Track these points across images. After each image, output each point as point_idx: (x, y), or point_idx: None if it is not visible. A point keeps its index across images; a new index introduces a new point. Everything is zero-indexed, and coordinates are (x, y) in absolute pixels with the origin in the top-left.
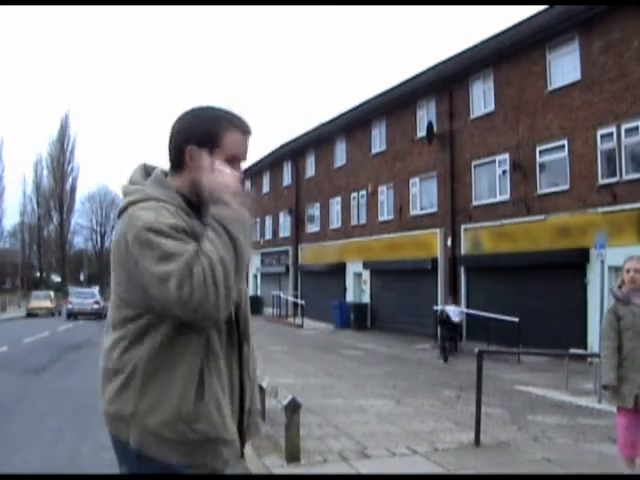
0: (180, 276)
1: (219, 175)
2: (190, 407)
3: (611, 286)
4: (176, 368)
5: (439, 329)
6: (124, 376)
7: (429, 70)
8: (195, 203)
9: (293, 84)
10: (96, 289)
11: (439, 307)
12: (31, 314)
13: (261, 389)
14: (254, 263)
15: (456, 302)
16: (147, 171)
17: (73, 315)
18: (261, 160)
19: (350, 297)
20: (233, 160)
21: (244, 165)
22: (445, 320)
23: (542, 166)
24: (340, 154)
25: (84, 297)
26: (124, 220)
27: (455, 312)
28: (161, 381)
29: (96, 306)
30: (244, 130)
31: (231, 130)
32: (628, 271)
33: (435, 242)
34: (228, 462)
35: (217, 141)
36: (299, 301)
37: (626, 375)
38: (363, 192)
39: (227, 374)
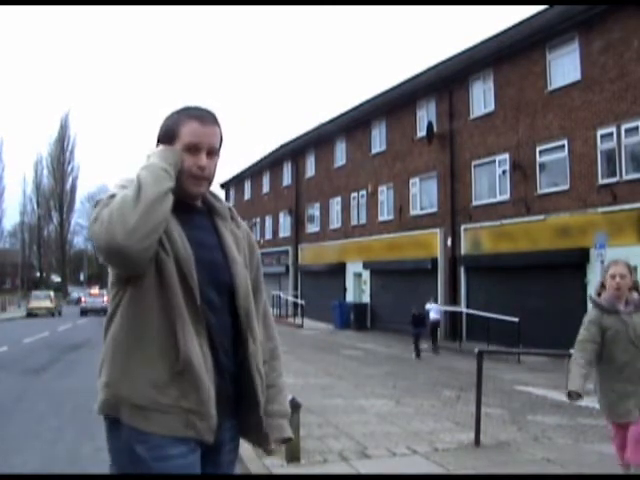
0: (96, 215)
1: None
2: (164, 375)
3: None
4: (145, 337)
5: (412, 327)
6: (105, 350)
7: (429, 70)
8: (182, 200)
9: (293, 84)
10: (96, 289)
11: (413, 308)
12: (31, 314)
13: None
14: None
15: (436, 301)
16: None
17: (85, 312)
18: (261, 160)
19: (350, 297)
20: (193, 148)
21: (217, 155)
22: (418, 319)
23: (542, 166)
24: (340, 154)
25: (95, 297)
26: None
27: (435, 310)
28: (130, 351)
29: (105, 303)
30: (200, 119)
31: (186, 121)
32: (613, 277)
33: (435, 242)
34: (201, 434)
35: (174, 134)
36: (299, 301)
37: (624, 389)
38: (363, 192)
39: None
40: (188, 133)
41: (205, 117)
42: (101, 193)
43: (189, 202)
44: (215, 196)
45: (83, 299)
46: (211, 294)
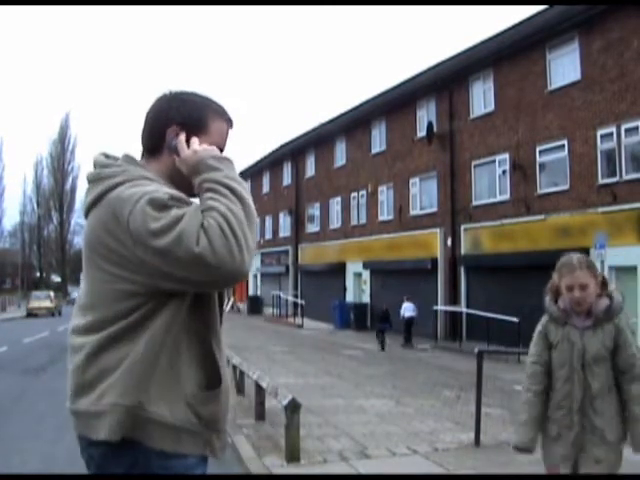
0: (192, 230)
1: (198, 147)
2: (198, 391)
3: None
4: (182, 353)
5: (377, 324)
6: (120, 372)
7: (429, 70)
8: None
9: (293, 84)
10: None
11: (384, 305)
12: (31, 314)
13: (260, 388)
14: (254, 263)
15: (409, 300)
16: (110, 158)
17: None
18: (261, 160)
19: (350, 297)
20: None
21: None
22: (384, 316)
23: (542, 166)
24: (340, 154)
25: None
26: (107, 205)
27: (409, 308)
28: (161, 369)
29: None
30: (229, 121)
31: (217, 118)
32: (570, 289)
33: (435, 242)
34: (215, 452)
35: (203, 127)
36: (299, 301)
37: (559, 429)
38: (363, 192)
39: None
40: (218, 133)
41: (231, 121)
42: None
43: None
44: None
45: None
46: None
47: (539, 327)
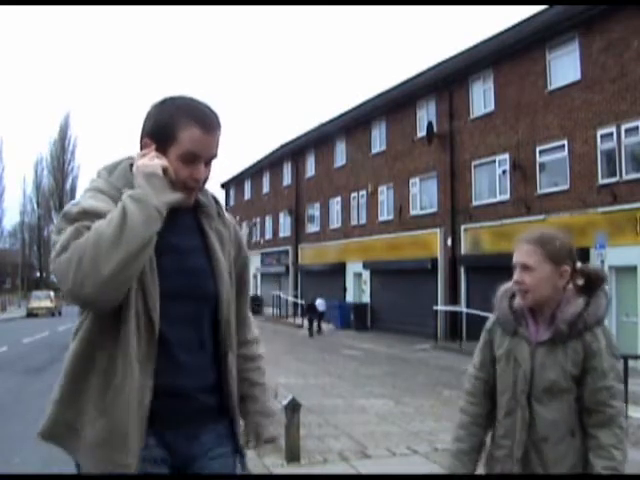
0: (56, 250)
1: (142, 160)
2: (92, 409)
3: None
4: (88, 373)
5: (306, 314)
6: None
7: (429, 70)
8: None
9: (294, 84)
10: None
11: (310, 299)
12: (31, 314)
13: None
14: (254, 263)
15: (321, 297)
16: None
17: None
18: (261, 160)
19: (350, 297)
20: (191, 158)
21: (213, 163)
22: (310, 308)
23: (542, 166)
24: (340, 154)
25: None
26: None
27: (321, 304)
28: (76, 386)
29: None
30: (204, 125)
31: (187, 124)
32: (513, 267)
33: (435, 242)
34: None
35: (171, 136)
36: (299, 301)
37: (504, 464)
38: (363, 192)
39: (139, 390)
40: (188, 140)
41: (210, 123)
42: None
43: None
44: (201, 190)
45: None
46: (184, 305)
47: (485, 329)
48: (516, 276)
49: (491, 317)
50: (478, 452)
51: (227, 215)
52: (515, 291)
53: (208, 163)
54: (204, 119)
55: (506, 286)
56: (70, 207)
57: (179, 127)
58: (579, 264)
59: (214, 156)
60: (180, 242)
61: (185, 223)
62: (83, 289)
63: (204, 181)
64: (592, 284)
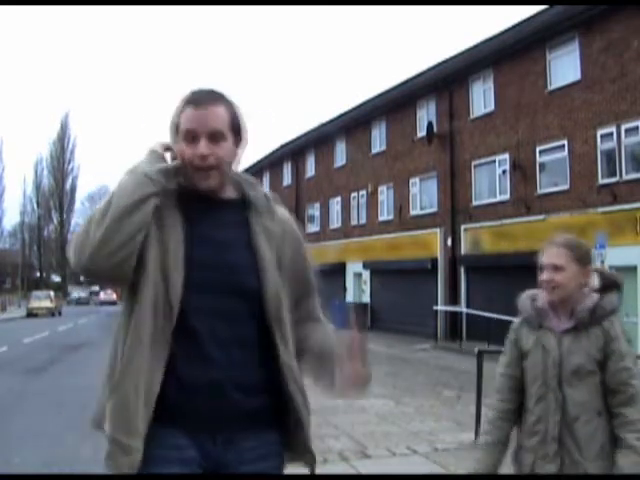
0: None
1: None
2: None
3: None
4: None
5: None
6: None
7: (429, 70)
8: (200, 194)
9: (293, 84)
10: (96, 288)
11: None
12: (31, 314)
13: None
14: None
15: None
16: None
17: (100, 303)
18: (261, 160)
19: (350, 297)
20: (191, 137)
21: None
22: None
23: (542, 166)
24: (340, 154)
25: (109, 294)
26: None
27: None
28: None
29: (115, 297)
30: (194, 102)
31: (184, 109)
32: (541, 269)
33: (435, 242)
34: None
35: (177, 124)
36: None
37: (535, 456)
38: (363, 192)
39: (147, 372)
40: (184, 120)
41: (200, 99)
42: (101, 193)
43: (209, 195)
44: (249, 182)
45: (102, 295)
46: (217, 299)
47: (512, 329)
48: (546, 275)
49: (515, 321)
50: (504, 444)
51: (281, 212)
52: (543, 289)
53: (216, 140)
54: (194, 97)
55: (528, 292)
56: None
57: (180, 113)
58: (597, 266)
59: (215, 131)
60: (218, 235)
61: (229, 218)
62: (80, 259)
63: (219, 164)
64: (607, 285)
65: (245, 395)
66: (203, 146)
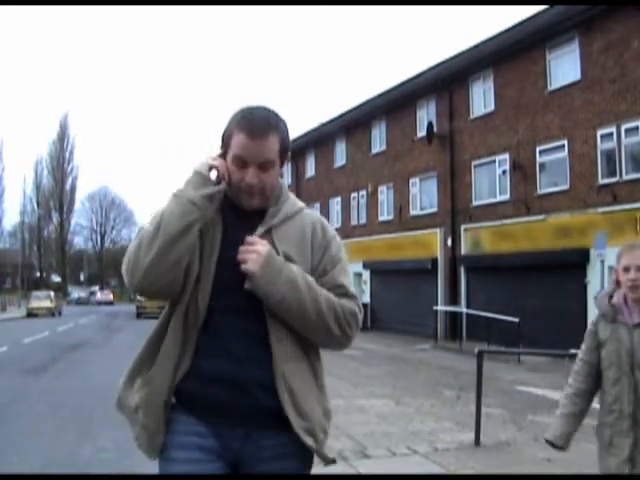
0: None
1: (195, 166)
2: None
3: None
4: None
5: None
6: None
7: (429, 70)
8: (237, 204)
9: (293, 84)
10: (96, 288)
11: None
12: (31, 314)
13: None
14: None
15: None
16: None
17: (97, 303)
18: None
19: None
20: (241, 162)
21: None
22: None
23: (542, 166)
24: (340, 154)
25: (106, 294)
26: None
27: None
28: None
29: (111, 297)
30: (249, 132)
31: (236, 132)
32: (627, 269)
33: (435, 242)
34: (138, 438)
35: (227, 143)
36: None
37: (612, 437)
38: (363, 192)
39: (176, 366)
40: (235, 146)
41: (255, 129)
42: (101, 193)
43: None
44: (282, 199)
45: (99, 295)
46: (235, 297)
47: (590, 324)
48: (633, 275)
49: (596, 314)
50: (578, 418)
51: (305, 217)
52: (626, 288)
53: (265, 169)
54: (250, 126)
55: (604, 290)
56: None
57: (232, 135)
58: None
59: (266, 161)
60: (242, 238)
61: (252, 224)
62: (133, 280)
63: (267, 190)
64: None
65: (266, 393)
66: (252, 176)
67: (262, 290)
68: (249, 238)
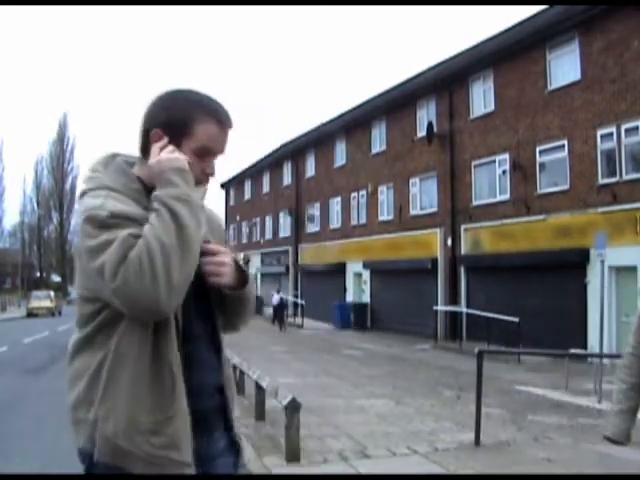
0: (112, 264)
1: (164, 154)
2: (148, 417)
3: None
4: (126, 370)
5: (272, 310)
6: (87, 379)
7: (429, 70)
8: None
9: (294, 84)
10: None
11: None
12: (31, 314)
13: (260, 388)
14: (254, 263)
15: (278, 292)
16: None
17: None
18: (261, 160)
19: (350, 297)
20: (205, 153)
21: (220, 159)
22: (281, 305)
23: (542, 166)
24: (340, 154)
25: None
26: (76, 209)
27: (276, 298)
28: (115, 385)
29: None
30: (221, 122)
31: (204, 119)
32: None
33: (435, 242)
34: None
35: (187, 130)
36: (299, 301)
37: None
38: (363, 192)
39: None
40: (205, 136)
41: (225, 119)
42: None
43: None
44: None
45: None
46: (197, 299)
47: (637, 319)
48: None
49: None
50: (634, 413)
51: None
52: None
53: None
54: (221, 115)
55: None
56: (94, 211)
57: (197, 122)
58: None
59: (224, 152)
60: None
61: None
62: (158, 299)
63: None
64: None
65: (217, 393)
66: (214, 166)
67: (239, 292)
68: (211, 248)
